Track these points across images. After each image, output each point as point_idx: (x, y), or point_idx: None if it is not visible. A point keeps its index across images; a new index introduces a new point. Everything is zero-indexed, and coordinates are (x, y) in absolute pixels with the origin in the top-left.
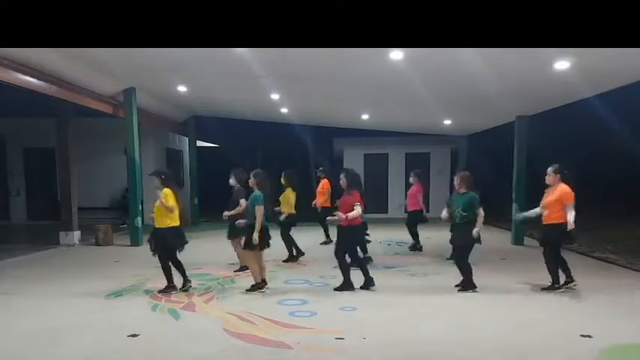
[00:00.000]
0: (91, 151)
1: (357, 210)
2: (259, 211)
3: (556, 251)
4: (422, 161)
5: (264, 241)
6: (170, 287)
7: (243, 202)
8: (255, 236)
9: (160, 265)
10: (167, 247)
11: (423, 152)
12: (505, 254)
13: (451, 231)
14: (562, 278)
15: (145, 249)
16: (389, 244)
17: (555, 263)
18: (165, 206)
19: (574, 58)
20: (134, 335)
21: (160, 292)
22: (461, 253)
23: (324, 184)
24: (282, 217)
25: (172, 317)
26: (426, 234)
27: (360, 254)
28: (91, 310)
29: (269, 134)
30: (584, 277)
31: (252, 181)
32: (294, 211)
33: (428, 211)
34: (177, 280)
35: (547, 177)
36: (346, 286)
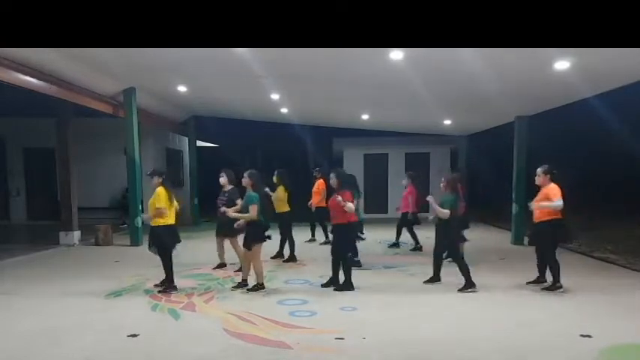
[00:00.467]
0: (91, 151)
1: (350, 205)
2: (253, 209)
3: (552, 250)
4: (422, 161)
5: (255, 240)
6: (171, 287)
7: (239, 202)
8: (242, 222)
9: (161, 264)
10: (161, 245)
11: (423, 152)
12: (505, 254)
13: (436, 229)
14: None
15: (146, 249)
16: (389, 244)
17: (549, 262)
18: (155, 207)
19: (574, 58)
20: (134, 335)
21: (159, 291)
22: (450, 251)
23: (319, 184)
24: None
25: (172, 317)
26: (425, 234)
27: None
28: (91, 310)
29: (269, 134)
30: (584, 277)
31: (247, 182)
32: (288, 209)
33: (418, 211)
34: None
35: (537, 178)
36: (346, 285)
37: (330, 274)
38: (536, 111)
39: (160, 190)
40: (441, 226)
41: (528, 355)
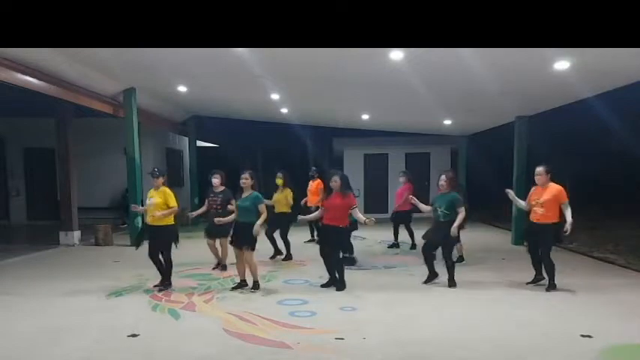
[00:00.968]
0: (91, 151)
1: (359, 214)
2: (263, 209)
3: (550, 250)
4: (422, 161)
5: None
6: (169, 284)
7: (233, 202)
8: (258, 228)
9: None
10: (169, 244)
11: (423, 152)
12: (505, 254)
13: (432, 228)
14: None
15: (146, 249)
16: (388, 244)
17: (546, 262)
18: (170, 207)
19: (574, 58)
20: (134, 335)
21: (159, 290)
22: (445, 251)
23: (318, 184)
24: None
25: (172, 317)
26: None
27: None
28: (91, 310)
29: (269, 134)
30: (584, 277)
31: (249, 182)
32: (290, 210)
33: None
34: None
35: (538, 177)
36: (342, 285)
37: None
38: (536, 111)
39: (168, 189)
40: (445, 223)
41: (528, 355)
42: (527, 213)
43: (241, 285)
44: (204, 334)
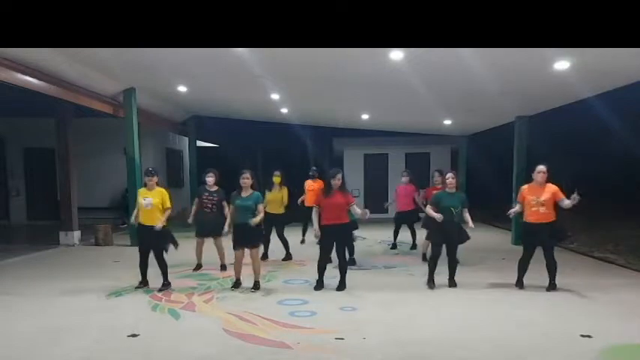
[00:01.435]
0: (91, 151)
1: (356, 207)
2: (262, 209)
3: (553, 249)
4: (422, 161)
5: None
6: (169, 284)
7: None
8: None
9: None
10: (166, 246)
11: (423, 152)
12: (505, 254)
13: (445, 230)
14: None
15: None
16: (389, 244)
17: (552, 261)
18: (167, 208)
19: (574, 58)
20: (134, 335)
21: (159, 290)
22: (455, 250)
23: (318, 184)
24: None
25: (172, 317)
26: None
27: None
28: (91, 310)
29: (269, 134)
30: (584, 277)
31: (249, 182)
32: (284, 211)
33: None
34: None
35: (542, 174)
36: (343, 285)
37: (330, 274)
38: (536, 111)
39: (164, 189)
40: (458, 224)
41: (528, 355)
42: (521, 214)
43: (238, 284)
44: (204, 334)
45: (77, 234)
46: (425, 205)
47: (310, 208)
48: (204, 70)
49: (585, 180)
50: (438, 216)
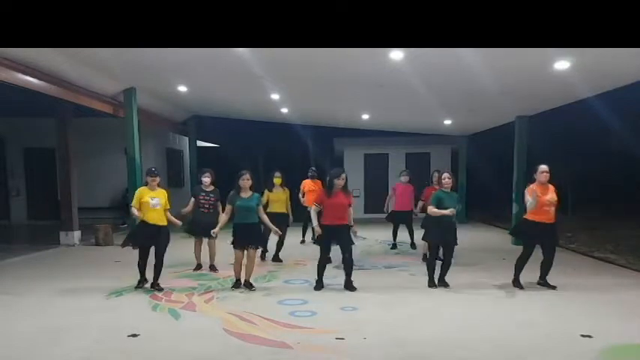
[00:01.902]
0: (92, 150)
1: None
2: (261, 210)
3: None
4: (422, 161)
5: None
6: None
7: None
8: (274, 228)
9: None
10: (167, 244)
11: (423, 152)
12: (505, 254)
13: (445, 230)
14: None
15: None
16: (389, 244)
17: (551, 260)
18: (167, 208)
19: (574, 58)
20: (134, 335)
21: (157, 289)
22: (452, 251)
23: (317, 184)
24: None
25: (172, 317)
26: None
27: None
28: (91, 310)
29: (269, 134)
30: (584, 277)
31: (249, 182)
32: (287, 211)
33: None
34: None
35: (546, 174)
36: (351, 284)
37: (330, 274)
38: (536, 111)
39: (165, 190)
40: (454, 224)
41: (528, 355)
42: (523, 212)
43: (238, 284)
44: (205, 334)
45: (77, 234)
46: (416, 205)
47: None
48: (204, 70)
49: (585, 180)
50: (448, 212)
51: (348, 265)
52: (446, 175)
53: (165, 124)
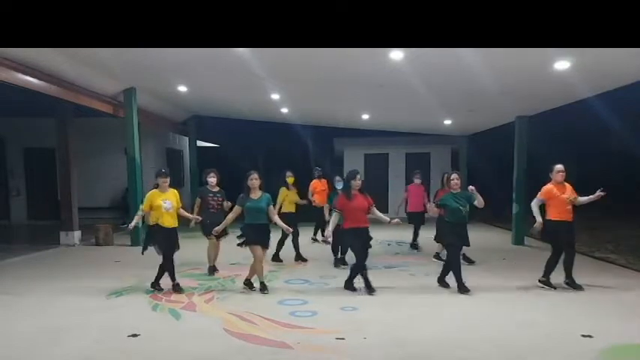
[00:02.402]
0: (92, 150)
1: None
2: (273, 210)
3: None
4: (422, 161)
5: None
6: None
7: (227, 204)
8: (285, 226)
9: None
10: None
11: (423, 152)
12: (505, 254)
13: (458, 231)
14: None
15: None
16: (389, 244)
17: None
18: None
19: (574, 58)
20: (134, 335)
21: (157, 289)
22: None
23: (323, 184)
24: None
25: (173, 317)
26: (426, 234)
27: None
28: (91, 310)
29: (269, 134)
30: (585, 277)
31: (258, 182)
32: (293, 210)
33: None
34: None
35: (562, 174)
36: (350, 285)
37: (331, 274)
38: (536, 111)
39: (175, 190)
40: (466, 225)
41: (528, 356)
42: (542, 211)
43: (265, 286)
44: (205, 334)
45: (77, 234)
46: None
47: (320, 209)
48: (204, 70)
49: (585, 180)
50: (435, 210)
51: (358, 267)
52: (454, 176)
53: (165, 124)
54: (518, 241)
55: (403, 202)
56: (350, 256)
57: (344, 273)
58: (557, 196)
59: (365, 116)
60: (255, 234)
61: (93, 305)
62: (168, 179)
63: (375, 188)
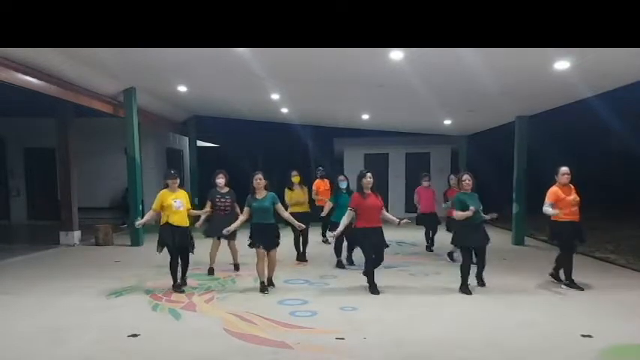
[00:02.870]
0: (92, 150)
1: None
2: (282, 208)
3: None
4: (422, 161)
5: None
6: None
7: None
8: (297, 223)
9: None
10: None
11: (423, 152)
12: (505, 254)
13: (472, 232)
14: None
15: (146, 248)
16: (388, 244)
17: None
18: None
19: (574, 58)
20: (134, 335)
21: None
22: (485, 251)
23: (326, 184)
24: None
25: (173, 317)
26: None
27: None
28: (90, 310)
29: (269, 134)
30: (585, 277)
31: (263, 183)
32: (309, 210)
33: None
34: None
35: (567, 176)
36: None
37: (331, 274)
38: (536, 111)
39: (185, 191)
40: (482, 225)
41: (528, 356)
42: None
43: (264, 287)
44: (205, 334)
45: (77, 234)
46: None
47: (322, 208)
48: (204, 70)
49: (585, 180)
50: (469, 213)
51: (367, 269)
52: (466, 177)
53: (165, 124)
54: (519, 241)
55: (418, 203)
56: (358, 257)
57: (344, 273)
58: (563, 198)
59: (365, 116)
60: (259, 234)
61: (93, 305)
62: (177, 180)
63: (375, 188)
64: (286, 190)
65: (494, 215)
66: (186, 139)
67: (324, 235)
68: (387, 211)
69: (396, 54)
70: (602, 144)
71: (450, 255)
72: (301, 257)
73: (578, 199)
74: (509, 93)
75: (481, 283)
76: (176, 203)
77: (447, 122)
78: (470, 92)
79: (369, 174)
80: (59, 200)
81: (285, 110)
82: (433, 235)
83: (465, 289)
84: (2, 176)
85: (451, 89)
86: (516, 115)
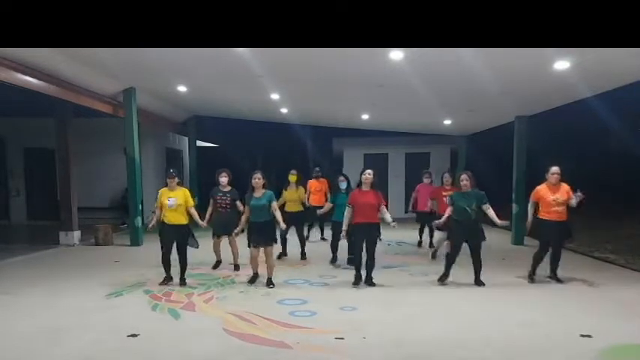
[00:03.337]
0: (91, 151)
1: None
2: (276, 207)
3: None
4: (422, 161)
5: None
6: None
7: (239, 203)
8: (281, 223)
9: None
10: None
11: (423, 152)
12: (505, 254)
13: (464, 230)
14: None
15: (146, 248)
16: (389, 244)
17: (558, 255)
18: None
19: (574, 58)
20: (134, 335)
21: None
22: (479, 250)
23: (322, 184)
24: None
25: (172, 317)
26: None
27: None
28: (90, 310)
29: (269, 134)
30: (585, 277)
31: (262, 182)
32: (303, 209)
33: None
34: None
35: (556, 176)
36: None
37: (331, 274)
38: (536, 111)
39: (186, 189)
40: (477, 222)
41: (528, 355)
42: (535, 210)
43: (254, 278)
44: (205, 334)
45: (77, 234)
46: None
47: (316, 208)
48: (204, 70)
49: (585, 180)
50: (443, 219)
51: (369, 266)
52: (463, 176)
53: (165, 124)
54: (518, 241)
55: (413, 200)
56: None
57: (344, 273)
58: (544, 197)
59: (365, 116)
60: (255, 232)
61: (92, 305)
62: (175, 179)
63: (376, 186)
64: (283, 191)
65: (506, 223)
66: (186, 139)
67: (322, 234)
68: (388, 210)
69: (396, 54)
70: (601, 144)
71: (434, 255)
72: (302, 257)
73: (562, 199)
74: (508, 93)
75: (480, 283)
76: (169, 202)
77: (447, 122)
78: (470, 92)
79: (368, 170)
80: (59, 200)
81: (284, 110)
82: (431, 234)
83: (443, 278)
84: (2, 176)
85: (451, 89)
86: (516, 115)
